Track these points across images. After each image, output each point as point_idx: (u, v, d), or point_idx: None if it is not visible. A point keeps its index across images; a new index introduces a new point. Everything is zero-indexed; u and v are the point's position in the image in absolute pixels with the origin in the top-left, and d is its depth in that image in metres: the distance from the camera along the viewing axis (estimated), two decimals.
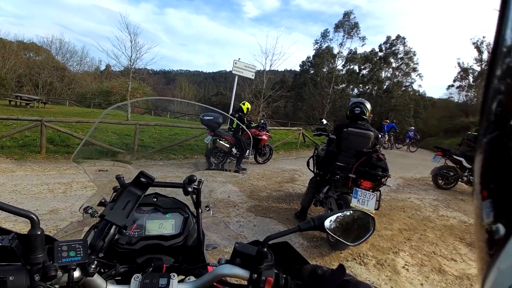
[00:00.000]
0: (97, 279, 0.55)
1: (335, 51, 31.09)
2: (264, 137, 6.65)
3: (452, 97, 27.35)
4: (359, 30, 30.06)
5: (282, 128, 14.55)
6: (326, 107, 26.95)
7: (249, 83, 19.07)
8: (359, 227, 0.70)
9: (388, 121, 16.05)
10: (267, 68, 19.14)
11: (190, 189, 0.74)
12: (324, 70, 31.12)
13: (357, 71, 31.95)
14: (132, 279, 0.59)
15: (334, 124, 5.09)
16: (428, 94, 32.96)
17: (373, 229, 0.70)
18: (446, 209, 4.92)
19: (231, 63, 9.34)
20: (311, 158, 3.95)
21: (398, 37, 30.80)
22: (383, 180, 2.81)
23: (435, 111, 27.53)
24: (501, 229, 0.23)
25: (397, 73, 30.96)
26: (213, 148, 5.65)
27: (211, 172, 1.41)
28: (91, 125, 6.58)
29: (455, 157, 6.25)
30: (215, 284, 0.62)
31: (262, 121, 7.26)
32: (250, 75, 9.92)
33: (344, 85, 31.45)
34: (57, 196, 3.69)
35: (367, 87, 32.08)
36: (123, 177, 0.83)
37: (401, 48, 30.63)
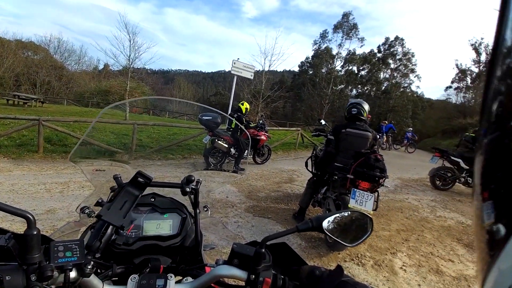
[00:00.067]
0: (94, 279, 0.55)
1: (334, 52, 31.24)
2: (263, 137, 6.65)
3: (450, 98, 27.52)
4: (358, 31, 30.25)
5: (280, 128, 14.56)
6: (325, 108, 27.02)
7: (248, 83, 19.06)
8: (357, 228, 0.70)
9: (386, 122, 16.09)
10: (266, 69, 19.16)
11: (188, 189, 0.74)
12: (323, 70, 31.22)
13: (356, 72, 32.06)
14: (129, 279, 0.58)
15: (333, 124, 5.10)
16: (426, 95, 33.16)
17: (371, 230, 0.70)
18: (443, 210, 4.94)
19: (230, 63, 9.34)
20: (310, 159, 3.95)
21: (396, 38, 30.98)
22: (381, 181, 2.81)
23: (433, 112, 27.66)
24: (502, 229, 0.23)
25: (395, 74, 31.11)
26: (212, 148, 5.64)
27: (209, 172, 1.41)
28: (89, 125, 6.55)
29: (452, 158, 6.28)
30: (212, 285, 0.62)
31: (260, 121, 7.26)
32: (249, 75, 9.92)
33: (342, 86, 31.54)
34: (54, 195, 3.67)
35: (365, 88, 32.20)
36: (120, 177, 0.83)
37: (400, 49, 30.82)
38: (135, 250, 0.69)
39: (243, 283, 0.59)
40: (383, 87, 31.22)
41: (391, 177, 6.62)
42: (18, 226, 2.63)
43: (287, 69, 38.51)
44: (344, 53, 31.14)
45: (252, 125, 6.92)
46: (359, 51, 31.56)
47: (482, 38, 23.94)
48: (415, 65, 30.53)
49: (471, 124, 18.74)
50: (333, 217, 0.66)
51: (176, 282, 0.60)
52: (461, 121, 21.15)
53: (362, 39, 30.33)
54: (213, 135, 5.54)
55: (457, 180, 6.33)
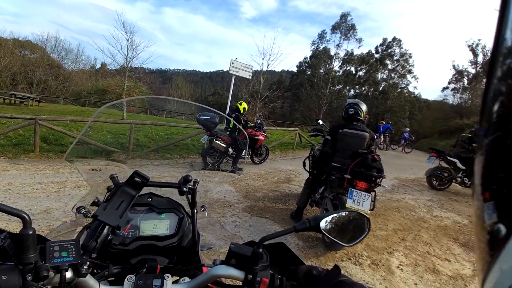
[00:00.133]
0: (90, 279, 0.54)
1: (332, 52, 31.25)
2: (261, 137, 6.65)
3: (446, 99, 27.74)
4: (356, 32, 30.29)
5: (278, 128, 14.56)
6: (323, 108, 27.09)
7: (246, 83, 19.06)
8: (354, 228, 0.70)
9: (383, 122, 16.16)
10: (264, 69, 19.23)
11: (185, 189, 0.73)
12: (321, 71, 31.25)
13: (354, 72, 32.13)
14: (126, 280, 0.58)
15: (330, 124, 5.12)
16: (423, 96, 33.42)
17: (368, 230, 0.70)
18: (440, 209, 4.97)
19: (228, 63, 9.33)
20: (307, 159, 3.96)
21: (394, 39, 31.06)
22: (378, 180, 2.82)
23: (429, 112, 27.84)
24: (502, 229, 0.23)
25: (393, 75, 31.23)
26: (209, 148, 5.63)
27: (207, 172, 1.41)
28: (85, 124, 6.51)
29: (449, 158, 6.32)
30: (210, 285, 0.62)
31: (258, 121, 7.27)
32: (247, 75, 9.92)
33: (340, 86, 31.61)
34: (50, 195, 3.64)
35: (363, 89, 32.29)
36: (117, 176, 0.82)
37: (397, 50, 30.91)
38: (132, 250, 0.68)
39: (240, 283, 0.59)
40: (381, 88, 31.32)
41: (388, 177, 6.65)
42: (14, 226, 2.61)
43: (285, 69, 38.66)
44: (342, 54, 31.23)
45: (250, 125, 6.92)
46: (357, 52, 31.66)
47: (479, 39, 24.16)
48: (413, 66, 30.69)
49: (468, 124, 18.88)
50: (330, 217, 0.66)
51: (173, 282, 0.60)
52: (458, 122, 21.31)
53: (360, 40, 30.44)
54: (211, 135, 5.53)
55: (454, 180, 6.38)
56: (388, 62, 31.21)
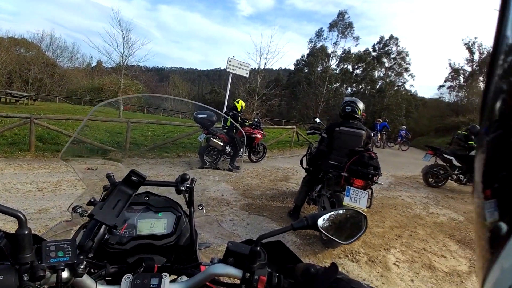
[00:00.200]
0: (87, 279, 0.54)
1: (329, 50, 31.31)
2: (258, 135, 6.65)
3: (443, 97, 27.91)
4: (353, 30, 30.33)
5: (276, 126, 14.57)
6: (320, 106, 27.12)
7: (243, 81, 19.05)
8: (351, 226, 0.71)
9: (380, 120, 16.27)
10: (262, 67, 19.17)
11: (182, 188, 0.73)
12: (318, 69, 31.28)
13: (351, 70, 32.21)
14: (123, 279, 0.58)
15: (328, 123, 5.12)
16: (420, 94, 33.56)
17: (365, 228, 0.70)
18: (436, 206, 5.02)
19: (225, 61, 9.30)
20: (305, 157, 3.97)
21: (391, 37, 31.21)
22: (375, 178, 2.84)
23: (426, 110, 28.01)
24: (504, 227, 0.23)
25: (389, 73, 31.36)
26: (207, 147, 5.62)
27: (204, 171, 1.40)
28: (81, 123, 6.46)
29: (445, 156, 6.37)
30: (207, 283, 0.62)
31: (256, 119, 7.26)
32: (244, 73, 9.90)
33: (338, 84, 31.67)
34: (47, 195, 3.62)
35: (360, 87, 32.38)
36: (113, 175, 0.82)
37: (394, 48, 31.06)
38: (129, 250, 0.68)
39: (238, 282, 0.59)
40: (378, 86, 31.46)
41: (385, 175, 6.69)
42: (11, 225, 2.59)
43: (283, 68, 38.69)
44: (339, 52, 31.28)
45: (247, 123, 6.91)
46: (354, 50, 31.76)
47: (475, 37, 24.31)
48: (409, 64, 30.86)
49: (464, 122, 19.04)
50: (328, 215, 0.66)
51: (171, 281, 0.60)
52: (454, 120, 21.48)
53: (357, 38, 30.48)
54: (208, 133, 5.52)
55: (450, 178, 6.43)
56: (385, 60, 31.33)
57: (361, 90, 32.08)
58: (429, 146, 6.88)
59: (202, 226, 1.00)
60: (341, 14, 30.41)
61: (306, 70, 33.02)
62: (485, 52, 23.38)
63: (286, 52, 35.17)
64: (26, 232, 0.47)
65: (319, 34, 31.90)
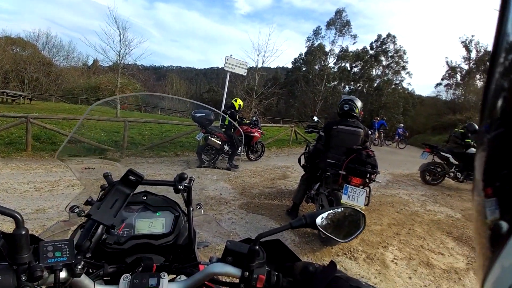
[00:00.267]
0: (85, 279, 0.54)
1: (327, 49, 31.26)
2: (256, 134, 6.65)
3: (440, 95, 27.97)
4: (351, 28, 30.31)
5: (274, 125, 14.58)
6: (318, 104, 27.12)
7: (241, 80, 18.97)
8: (350, 224, 0.71)
9: (378, 118, 16.29)
10: (259, 65, 19.14)
11: (180, 187, 0.73)
12: (316, 67, 31.26)
13: (349, 68, 32.23)
14: (121, 279, 0.57)
15: (325, 121, 5.13)
16: (417, 92, 33.67)
17: (363, 226, 0.70)
18: (433, 204, 5.05)
19: (223, 59, 9.29)
20: (303, 155, 3.98)
21: (388, 35, 31.20)
22: (372, 176, 2.85)
23: (423, 108, 28.08)
24: (504, 226, 0.22)
25: (387, 71, 31.42)
26: (205, 145, 5.61)
27: (202, 170, 1.40)
28: (78, 122, 6.43)
29: (442, 153, 6.41)
30: (206, 282, 0.62)
31: (254, 118, 7.25)
32: (242, 71, 9.89)
33: (335, 83, 31.69)
34: (44, 195, 3.60)
35: (358, 85, 32.43)
36: (111, 175, 0.81)
37: (392, 46, 31.07)
38: (127, 249, 0.68)
39: (237, 280, 0.59)
40: (375, 84, 31.51)
41: (383, 173, 6.72)
42: (8, 225, 2.58)
43: (281, 66, 38.38)
44: (337, 50, 31.26)
45: (245, 122, 6.91)
46: (351, 48, 31.74)
47: (472, 36, 24.37)
48: (407, 62, 30.93)
49: (460, 120, 19.10)
50: (326, 213, 0.67)
51: (170, 281, 0.60)
52: (451, 118, 21.54)
53: (354, 36, 30.48)
54: (206, 132, 5.51)
55: (447, 175, 6.48)
56: (382, 58, 31.39)
57: (359, 88, 32.13)
58: (426, 144, 6.92)
59: (200, 225, 1.00)
60: (339, 13, 30.41)
61: (304, 69, 32.98)
62: (482, 50, 23.47)
63: (284, 50, 35.31)
64: (23, 232, 0.47)
65: (316, 32, 31.90)
